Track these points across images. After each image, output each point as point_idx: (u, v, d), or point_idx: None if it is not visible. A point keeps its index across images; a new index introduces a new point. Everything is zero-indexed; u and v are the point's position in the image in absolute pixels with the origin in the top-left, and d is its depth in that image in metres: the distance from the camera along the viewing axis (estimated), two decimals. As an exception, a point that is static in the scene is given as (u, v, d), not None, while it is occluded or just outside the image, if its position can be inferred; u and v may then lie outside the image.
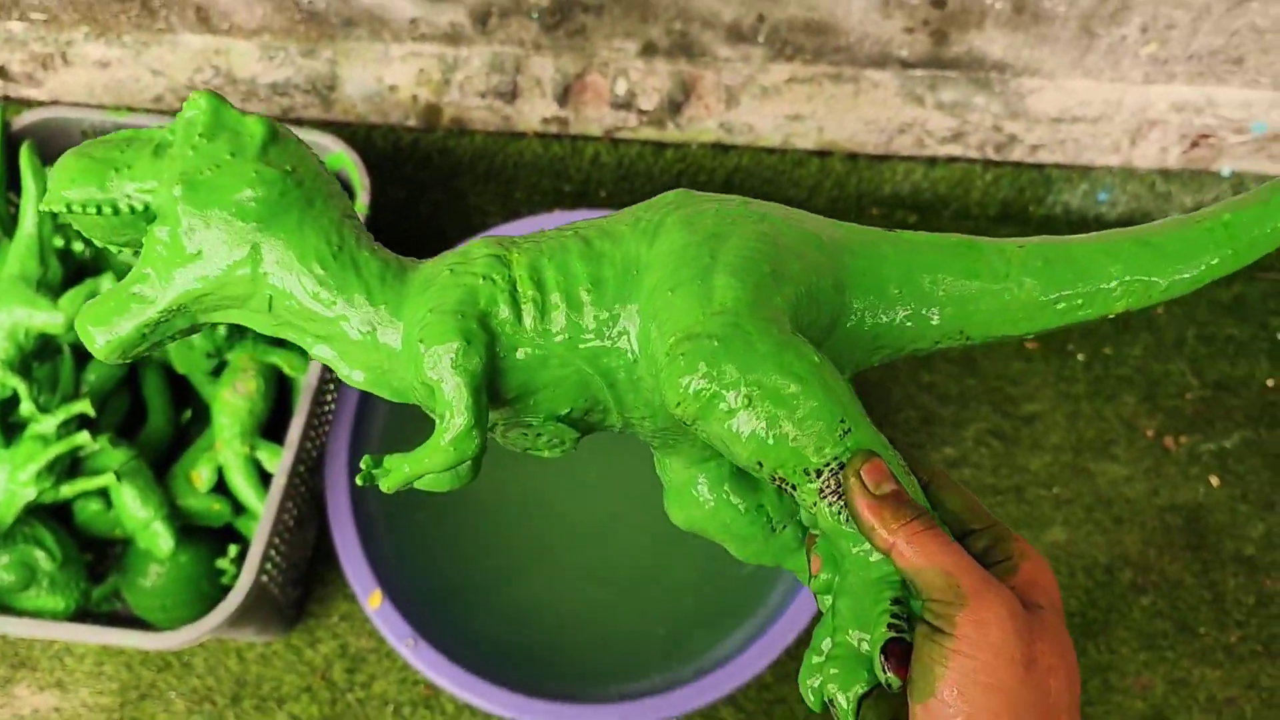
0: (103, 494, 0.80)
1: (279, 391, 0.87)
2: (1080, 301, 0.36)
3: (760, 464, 0.31)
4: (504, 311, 0.33)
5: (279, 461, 0.79)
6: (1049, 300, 0.36)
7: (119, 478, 0.77)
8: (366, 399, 0.86)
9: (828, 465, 0.30)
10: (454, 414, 0.32)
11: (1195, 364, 1.04)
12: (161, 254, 0.33)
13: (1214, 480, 0.99)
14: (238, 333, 0.84)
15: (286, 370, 0.85)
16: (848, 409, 0.31)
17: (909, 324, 0.36)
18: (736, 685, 0.74)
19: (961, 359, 1.03)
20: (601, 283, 0.34)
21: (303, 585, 0.93)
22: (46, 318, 0.75)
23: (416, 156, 1.05)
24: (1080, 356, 1.04)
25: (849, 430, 0.31)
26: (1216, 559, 0.96)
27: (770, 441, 0.30)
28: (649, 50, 0.97)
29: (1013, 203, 1.08)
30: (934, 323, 0.36)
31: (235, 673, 0.91)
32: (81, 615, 0.80)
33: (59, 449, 0.75)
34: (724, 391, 0.30)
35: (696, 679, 0.74)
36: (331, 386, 0.85)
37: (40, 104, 1.03)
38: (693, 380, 0.30)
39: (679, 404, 0.31)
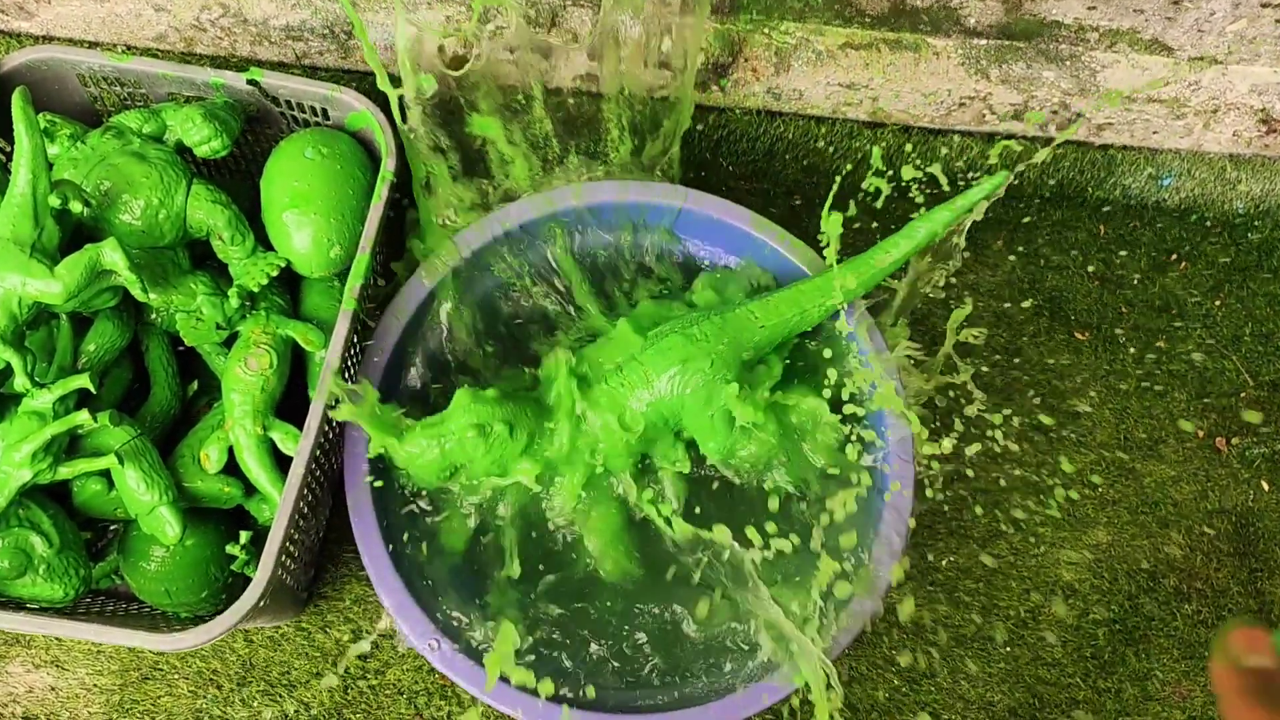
0: (104, 473, 0.75)
1: (294, 364, 0.81)
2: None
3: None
4: None
5: (295, 445, 0.73)
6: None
7: (121, 460, 0.71)
8: (392, 372, 0.80)
9: None
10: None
11: (1251, 363, 0.99)
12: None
13: (1265, 485, 0.95)
14: (249, 303, 0.78)
15: (303, 344, 0.79)
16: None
17: None
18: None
19: (1008, 347, 0.98)
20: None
21: (315, 566, 0.88)
22: (42, 286, 0.68)
23: (440, 111, 0.98)
24: (1131, 350, 0.99)
25: None
26: (1265, 567, 0.92)
27: None
28: (697, 6, 0.89)
29: (1070, 184, 1.02)
30: None
31: (243, 656, 0.87)
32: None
33: (56, 429, 0.69)
34: None
35: (738, 691, 0.70)
36: (351, 362, 0.79)
37: (32, 38, 0.95)
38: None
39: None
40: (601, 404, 0.73)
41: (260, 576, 0.68)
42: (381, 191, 0.76)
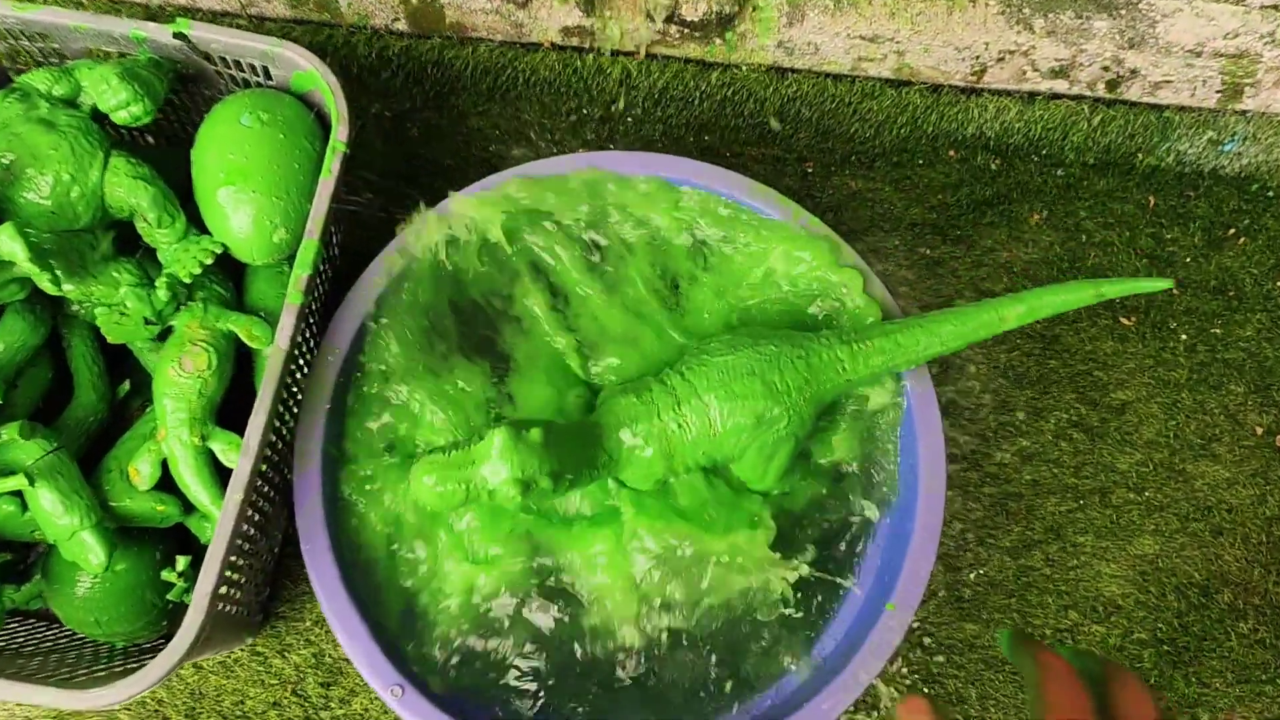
0: (18, 492, 0.65)
1: (239, 362, 0.71)
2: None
3: None
4: None
5: (237, 456, 0.63)
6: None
7: (31, 480, 0.62)
8: (347, 372, 0.70)
9: None
10: None
11: (1316, 350, 0.89)
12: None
13: (1330, 488, 0.86)
14: (186, 293, 0.68)
15: (246, 340, 0.68)
16: None
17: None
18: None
19: (1045, 334, 0.88)
20: None
21: (270, 585, 0.79)
22: (-70, 280, 0.58)
23: (407, 68, 0.87)
24: (1183, 337, 0.89)
25: None
26: (1329, 582, 0.83)
27: None
28: (699, -54, 0.78)
29: (1118, 149, 0.91)
30: None
31: (191, 684, 0.78)
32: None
33: (-46, 446, 0.60)
34: None
35: None
36: (301, 362, 0.69)
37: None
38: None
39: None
40: (652, 440, 0.61)
41: (192, 619, 0.58)
42: (332, 165, 0.65)
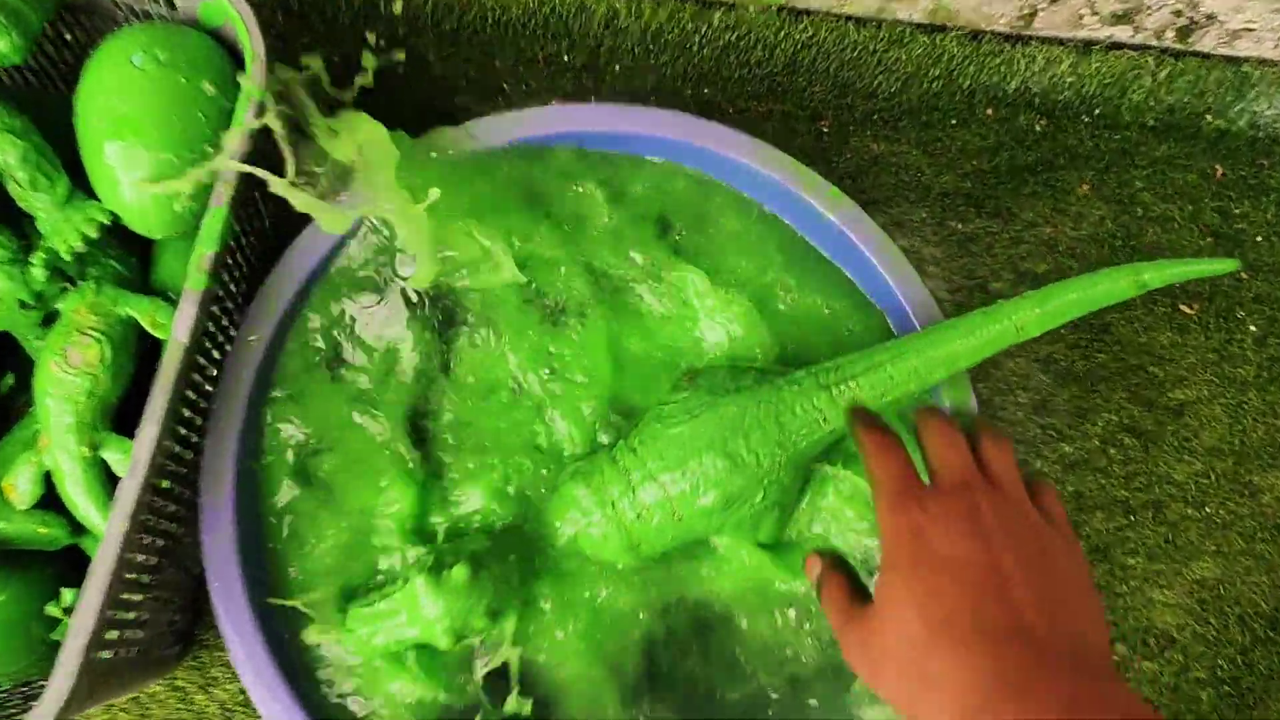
0: None
1: (147, 354, 0.59)
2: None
3: None
4: None
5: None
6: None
7: (-125, 501, 0.50)
8: (268, 365, 0.59)
9: None
10: None
11: (1405, 345, 0.77)
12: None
13: None
14: (74, 267, 0.56)
15: (149, 328, 0.57)
16: None
17: None
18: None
19: (1093, 323, 0.77)
20: None
21: (192, 609, 0.68)
22: None
23: (357, 6, 0.74)
24: (1252, 328, 0.77)
25: None
26: None
27: None
28: None
29: (1184, 110, 0.79)
30: None
31: (99, 723, 0.67)
32: None
33: None
34: None
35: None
36: (216, 355, 0.58)
37: None
38: None
39: None
40: (611, 533, 0.53)
41: (60, 684, 0.47)
42: (244, 115, 0.53)
